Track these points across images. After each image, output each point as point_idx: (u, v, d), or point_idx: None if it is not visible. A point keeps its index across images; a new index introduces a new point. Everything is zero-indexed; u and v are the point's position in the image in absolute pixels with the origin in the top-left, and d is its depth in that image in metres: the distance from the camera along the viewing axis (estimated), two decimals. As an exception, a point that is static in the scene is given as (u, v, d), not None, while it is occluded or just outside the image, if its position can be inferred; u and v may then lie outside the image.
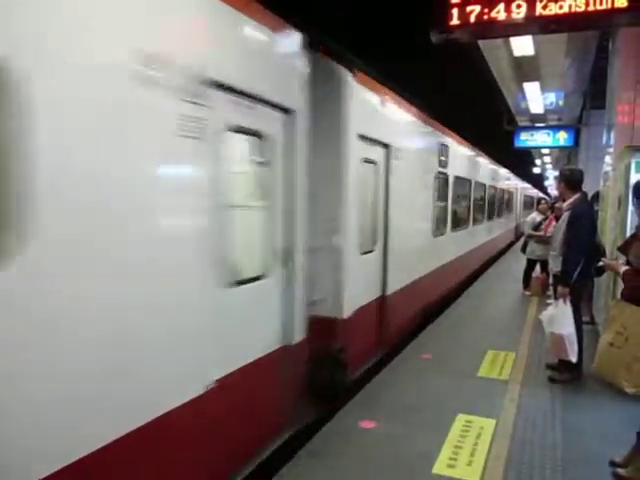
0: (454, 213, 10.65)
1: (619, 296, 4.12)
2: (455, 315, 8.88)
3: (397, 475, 3.81)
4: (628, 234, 5.17)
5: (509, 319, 8.70)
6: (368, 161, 5.93)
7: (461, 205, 11.79)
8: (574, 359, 5.32)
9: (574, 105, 15.43)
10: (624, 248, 3.87)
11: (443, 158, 9.38)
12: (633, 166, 5.80)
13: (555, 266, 5.72)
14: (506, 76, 12.21)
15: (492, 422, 4.63)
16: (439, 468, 3.87)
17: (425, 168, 8.27)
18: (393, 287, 6.73)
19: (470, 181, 12.29)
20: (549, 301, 7.82)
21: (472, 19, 4.84)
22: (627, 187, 5.68)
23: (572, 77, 12.33)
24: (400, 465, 3.92)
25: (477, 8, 4.81)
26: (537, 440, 4.34)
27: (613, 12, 4.40)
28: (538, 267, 10.54)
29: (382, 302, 6.52)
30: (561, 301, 5.33)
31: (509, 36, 8.10)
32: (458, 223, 11.31)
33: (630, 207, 5.43)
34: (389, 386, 5.50)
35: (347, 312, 5.40)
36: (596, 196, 8.65)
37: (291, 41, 4.17)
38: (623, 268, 3.69)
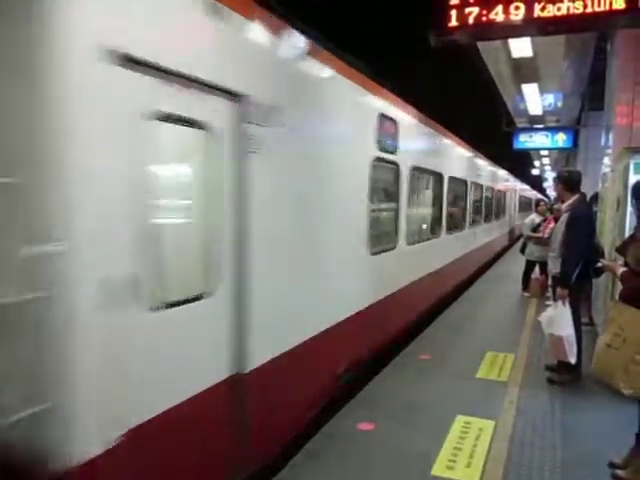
0: (410, 219, 7.44)
1: (617, 297, 4.12)
2: (454, 316, 8.87)
3: (396, 477, 3.80)
4: (627, 235, 5.18)
5: (508, 320, 8.70)
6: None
7: (425, 207, 9.06)
8: (573, 360, 5.32)
9: (573, 106, 15.44)
10: (622, 249, 3.87)
11: (386, 138, 6.22)
12: (632, 167, 5.81)
13: (554, 267, 5.72)
14: (505, 77, 12.22)
15: (491, 423, 4.63)
16: (438, 470, 3.87)
17: (342, 149, 5.10)
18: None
19: (441, 175, 9.23)
20: (548, 302, 7.83)
21: (470, 21, 4.84)
22: (626, 188, 5.68)
23: (570, 78, 12.34)
24: (399, 467, 3.92)
25: (475, 10, 4.82)
26: (536, 441, 4.34)
27: (611, 14, 4.40)
28: (537, 268, 10.55)
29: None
30: (560, 302, 5.33)
31: (507, 37, 8.11)
32: (419, 233, 8.58)
33: (629, 208, 5.44)
34: (388, 387, 5.49)
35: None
36: (595, 197, 8.66)
37: None
38: (621, 269, 3.70)
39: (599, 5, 4.40)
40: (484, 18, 4.81)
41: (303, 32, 4.23)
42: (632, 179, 5.62)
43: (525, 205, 29.29)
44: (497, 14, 4.76)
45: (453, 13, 4.88)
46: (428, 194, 9.16)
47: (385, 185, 6.69)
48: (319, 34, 4.70)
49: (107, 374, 2.51)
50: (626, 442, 3.82)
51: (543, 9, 4.59)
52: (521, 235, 12.89)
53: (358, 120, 5.55)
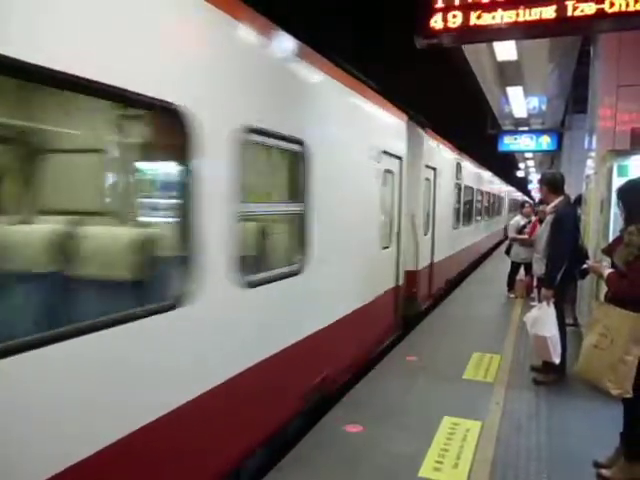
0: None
1: (602, 298, 4.15)
2: (440, 317, 8.90)
3: (383, 479, 3.79)
4: (611, 237, 5.22)
5: (494, 321, 8.75)
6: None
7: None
8: (557, 361, 5.36)
9: (557, 109, 15.59)
10: (608, 251, 3.90)
11: None
12: (615, 170, 5.86)
13: (539, 269, 5.76)
14: (489, 80, 12.31)
15: (478, 424, 4.64)
16: (425, 471, 3.86)
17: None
18: None
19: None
20: (533, 303, 7.89)
21: (455, 24, 4.85)
22: (609, 191, 5.74)
23: (555, 82, 12.46)
24: (386, 469, 3.91)
25: (460, 13, 4.83)
26: (522, 442, 4.36)
27: (594, 18, 4.44)
28: (522, 270, 10.63)
29: None
30: (545, 303, 5.37)
31: (492, 41, 8.17)
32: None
33: (613, 210, 5.49)
34: (374, 389, 5.49)
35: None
36: (579, 200, 8.74)
37: None
38: (607, 271, 3.72)
39: (583, 9, 4.44)
40: (468, 21, 4.82)
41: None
42: (615, 182, 5.68)
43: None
44: (481, 18, 4.78)
45: (438, 16, 4.88)
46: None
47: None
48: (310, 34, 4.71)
49: None
50: (611, 442, 3.85)
51: (528, 13, 4.62)
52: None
53: None
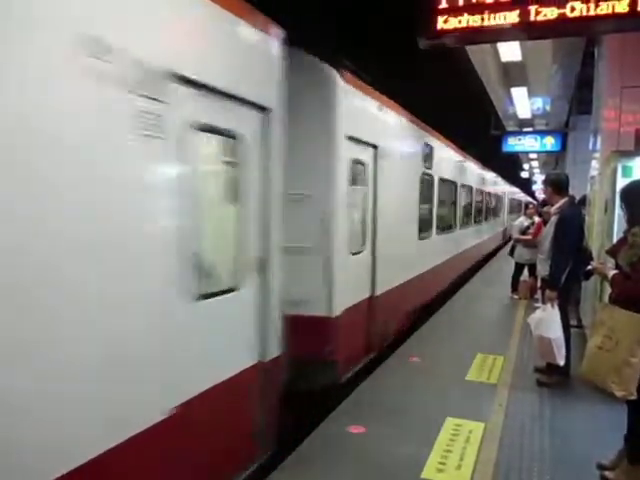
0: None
1: (606, 300, 4.14)
2: (443, 318, 8.89)
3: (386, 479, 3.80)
4: (615, 238, 5.21)
5: (497, 322, 8.73)
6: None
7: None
8: (561, 362, 5.34)
9: (561, 110, 15.56)
10: (613, 252, 3.89)
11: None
12: (619, 171, 5.85)
13: (543, 270, 5.75)
14: (494, 81, 12.29)
15: (481, 426, 4.63)
16: (428, 472, 3.86)
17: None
18: None
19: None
20: (537, 305, 7.87)
21: (459, 24, 4.85)
22: (614, 192, 5.71)
23: (559, 83, 12.44)
24: (389, 470, 3.91)
25: (464, 13, 4.83)
26: (525, 443, 4.35)
27: (597, 19, 4.44)
28: (526, 271, 10.61)
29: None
30: (549, 305, 5.36)
31: (496, 42, 8.16)
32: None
33: (617, 211, 5.47)
34: (378, 389, 5.49)
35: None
36: (583, 200, 8.72)
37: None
38: (612, 272, 3.71)
39: (588, 10, 4.43)
40: (473, 22, 4.83)
41: None
42: (620, 182, 5.66)
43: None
44: (486, 18, 4.78)
45: (441, 16, 4.89)
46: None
47: None
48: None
49: None
50: (614, 444, 3.84)
51: (534, 14, 4.62)
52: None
53: None
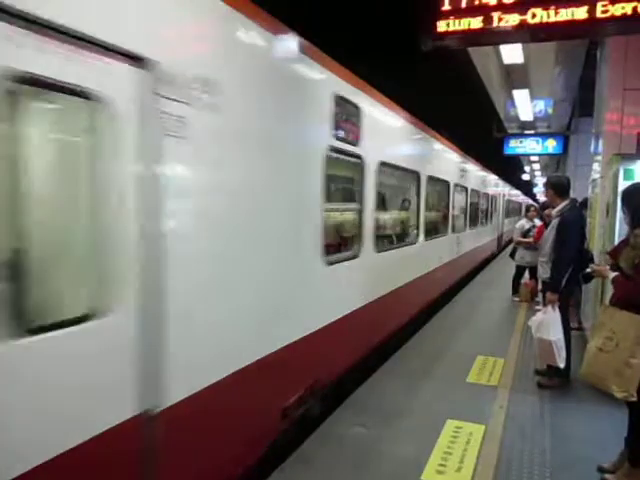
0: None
1: (607, 302, 4.14)
2: (444, 320, 8.89)
3: (386, 481, 3.79)
4: (617, 241, 5.21)
5: (498, 325, 8.72)
6: None
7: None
8: (562, 365, 5.34)
9: (563, 113, 15.56)
10: (614, 253, 3.89)
11: None
12: (621, 173, 5.85)
13: (544, 272, 5.74)
14: (496, 83, 12.29)
15: (481, 428, 4.63)
16: (428, 474, 3.86)
17: None
18: None
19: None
20: (538, 307, 7.86)
21: (461, 26, 4.86)
22: (615, 194, 5.72)
23: (561, 85, 12.44)
24: (389, 471, 3.91)
25: (467, 15, 4.83)
26: (526, 446, 4.35)
27: (600, 21, 4.44)
28: (527, 273, 10.61)
29: None
30: (550, 307, 5.36)
31: (498, 44, 8.16)
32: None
33: (618, 214, 5.47)
34: (378, 391, 5.48)
35: None
36: (584, 203, 8.71)
37: None
38: (612, 274, 3.71)
39: (589, 12, 4.44)
40: (475, 24, 4.83)
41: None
42: (622, 185, 5.67)
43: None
44: (488, 21, 4.78)
45: (444, 18, 4.90)
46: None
47: None
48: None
49: None
50: (615, 446, 3.84)
51: (534, 16, 4.62)
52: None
53: None
